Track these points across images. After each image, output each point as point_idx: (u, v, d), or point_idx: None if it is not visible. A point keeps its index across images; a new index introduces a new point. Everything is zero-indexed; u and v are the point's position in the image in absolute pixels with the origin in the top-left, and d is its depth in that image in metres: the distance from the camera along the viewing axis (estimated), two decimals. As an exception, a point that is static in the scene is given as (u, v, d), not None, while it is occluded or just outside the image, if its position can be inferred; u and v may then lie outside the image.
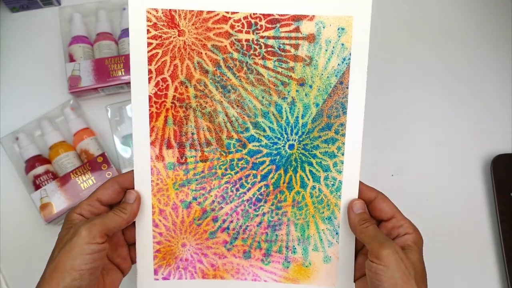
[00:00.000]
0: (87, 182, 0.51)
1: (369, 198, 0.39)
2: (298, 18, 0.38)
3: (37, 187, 0.52)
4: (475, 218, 0.54)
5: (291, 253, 0.41)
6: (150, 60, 0.37)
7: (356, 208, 0.39)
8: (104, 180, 0.49)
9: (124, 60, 0.55)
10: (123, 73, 0.54)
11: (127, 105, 0.55)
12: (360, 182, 0.40)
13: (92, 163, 0.52)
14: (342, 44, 0.38)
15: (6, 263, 0.52)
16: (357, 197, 0.39)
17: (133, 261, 0.41)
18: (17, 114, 0.56)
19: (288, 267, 0.41)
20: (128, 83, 0.54)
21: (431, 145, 0.56)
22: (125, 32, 0.56)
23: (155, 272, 0.40)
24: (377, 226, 0.38)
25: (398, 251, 0.34)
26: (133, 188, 0.39)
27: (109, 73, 0.54)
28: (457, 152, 0.56)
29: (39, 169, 0.52)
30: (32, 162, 0.52)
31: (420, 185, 0.55)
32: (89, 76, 0.54)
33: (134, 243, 0.40)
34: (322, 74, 0.38)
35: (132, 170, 0.39)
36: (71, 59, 0.55)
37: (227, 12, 0.38)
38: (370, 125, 0.53)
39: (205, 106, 0.39)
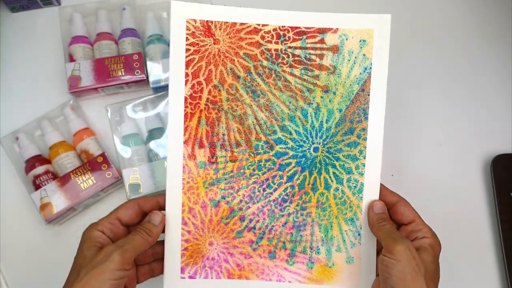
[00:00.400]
0: (87, 182, 0.51)
1: (391, 202, 0.41)
2: (323, 31, 0.41)
3: (37, 187, 0.51)
4: (475, 218, 0.53)
5: (315, 253, 0.42)
6: (188, 64, 0.40)
7: (376, 208, 0.40)
8: (104, 180, 0.51)
9: (124, 60, 0.54)
10: (123, 73, 0.54)
11: (127, 105, 0.54)
12: (384, 187, 0.42)
13: (92, 163, 0.51)
14: (364, 55, 0.41)
15: (6, 263, 0.52)
16: (378, 198, 0.41)
17: (139, 280, 0.41)
18: (17, 114, 0.55)
19: (312, 268, 0.42)
20: (127, 83, 0.54)
21: (431, 145, 0.56)
22: (125, 32, 0.56)
23: (182, 270, 0.41)
24: (396, 228, 0.40)
25: (411, 248, 0.36)
26: (154, 211, 0.40)
27: (109, 73, 0.54)
28: (457, 152, 0.56)
29: (39, 169, 0.52)
30: (32, 162, 0.52)
31: (420, 185, 0.55)
32: (89, 76, 0.54)
33: (141, 264, 0.41)
34: (345, 82, 0.41)
35: (153, 195, 0.41)
36: (71, 59, 0.55)
37: (258, 25, 0.41)
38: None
39: (236, 109, 0.41)
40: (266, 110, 0.42)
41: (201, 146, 0.41)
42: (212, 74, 0.41)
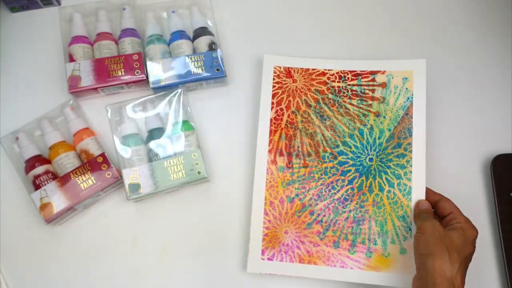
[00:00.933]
0: (87, 182, 0.50)
1: (434, 199, 0.50)
2: (374, 73, 0.56)
3: (37, 187, 0.51)
4: (475, 218, 0.50)
5: (373, 244, 0.50)
6: (273, 96, 0.56)
7: (421, 205, 0.49)
8: (104, 180, 0.50)
9: (124, 60, 0.53)
10: (123, 73, 0.53)
11: (127, 105, 0.54)
12: (428, 188, 0.51)
13: (92, 163, 0.51)
14: (406, 88, 0.54)
15: (6, 263, 0.51)
16: (424, 199, 0.50)
17: None
18: (17, 114, 0.55)
19: (370, 257, 0.50)
20: (127, 83, 0.54)
21: (432, 145, 0.55)
22: (125, 32, 0.56)
23: (262, 252, 0.51)
24: (437, 219, 0.47)
25: (437, 225, 0.45)
26: None
27: (109, 73, 0.53)
28: (457, 152, 0.56)
29: (39, 169, 0.51)
30: (32, 162, 0.51)
31: None
32: (89, 76, 0.53)
33: None
34: (392, 109, 0.54)
35: None
36: (71, 59, 0.54)
37: (325, 69, 0.57)
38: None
39: (308, 128, 0.55)
40: (331, 129, 0.55)
41: (281, 154, 0.54)
42: (290, 103, 0.56)
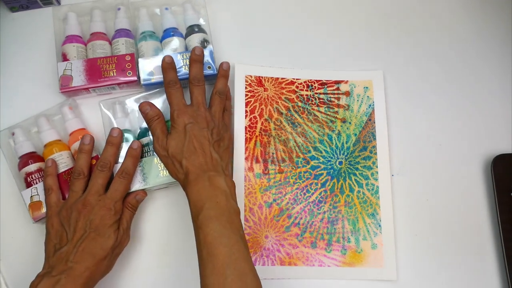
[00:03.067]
0: None
1: None
2: (338, 82, 0.60)
3: (28, 184, 0.50)
4: (475, 218, 0.53)
5: (347, 242, 0.54)
6: (246, 104, 0.57)
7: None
8: None
9: (116, 61, 0.53)
10: (114, 74, 0.53)
11: (120, 101, 0.54)
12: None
13: None
14: (368, 97, 0.59)
15: (5, 262, 0.51)
16: (390, 197, 0.55)
17: None
18: (16, 111, 0.56)
19: (345, 254, 0.54)
20: (119, 84, 0.54)
21: (431, 145, 0.56)
22: (119, 32, 0.55)
23: (245, 258, 0.52)
24: None
25: None
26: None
27: (101, 73, 0.53)
28: (457, 152, 0.56)
29: (32, 167, 0.50)
30: (26, 159, 0.51)
31: (420, 185, 0.55)
32: (81, 76, 0.52)
33: None
34: (356, 115, 0.58)
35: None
36: (65, 58, 0.54)
37: (294, 79, 0.59)
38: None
39: (281, 135, 0.57)
40: (302, 136, 0.57)
41: (257, 161, 0.56)
42: (263, 111, 0.58)
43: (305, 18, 0.63)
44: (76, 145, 0.52)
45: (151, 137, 0.52)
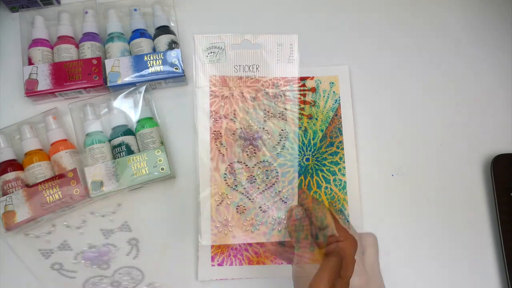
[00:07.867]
0: (53, 196, 0.49)
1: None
2: (304, 78, 0.59)
3: (4, 193, 0.50)
4: (475, 218, 0.53)
5: (315, 239, 0.54)
6: (211, 104, 0.57)
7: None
8: (71, 197, 0.49)
9: (83, 65, 0.53)
10: (80, 78, 0.52)
11: (89, 103, 0.53)
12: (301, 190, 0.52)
13: (61, 177, 0.49)
14: (334, 92, 0.59)
15: None
16: (358, 193, 0.55)
17: None
18: (6, 116, 0.56)
19: (313, 251, 0.53)
20: (85, 88, 0.53)
21: (431, 145, 0.56)
22: (85, 36, 0.55)
23: (212, 259, 0.52)
24: None
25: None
26: None
27: (67, 77, 0.52)
28: (457, 152, 0.56)
29: (10, 175, 0.50)
30: (5, 166, 0.50)
31: (420, 185, 0.55)
32: (46, 80, 0.52)
33: None
34: (323, 111, 0.58)
35: None
36: (30, 62, 0.54)
37: (259, 77, 0.59)
38: (371, 126, 0.57)
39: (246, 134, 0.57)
40: (269, 134, 0.57)
41: (223, 161, 0.56)
42: (228, 111, 0.57)
43: (272, 17, 0.63)
44: (55, 157, 0.51)
45: (123, 137, 0.52)
